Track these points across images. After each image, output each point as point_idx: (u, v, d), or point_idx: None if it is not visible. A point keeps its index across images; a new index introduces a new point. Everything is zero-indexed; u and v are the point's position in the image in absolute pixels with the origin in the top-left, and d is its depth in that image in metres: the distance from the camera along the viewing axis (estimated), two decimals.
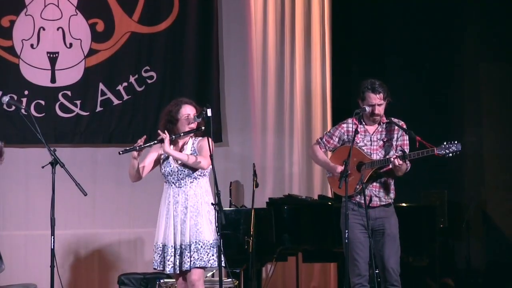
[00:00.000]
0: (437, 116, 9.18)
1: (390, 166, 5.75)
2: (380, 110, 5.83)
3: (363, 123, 5.92)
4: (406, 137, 5.87)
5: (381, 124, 5.93)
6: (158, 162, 5.88)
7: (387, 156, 5.78)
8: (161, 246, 5.74)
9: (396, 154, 5.75)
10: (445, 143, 5.60)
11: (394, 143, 5.88)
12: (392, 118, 5.93)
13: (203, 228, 5.65)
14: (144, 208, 8.33)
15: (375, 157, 5.85)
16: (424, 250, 7.77)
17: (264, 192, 8.49)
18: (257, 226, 7.04)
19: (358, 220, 5.79)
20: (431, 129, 8.41)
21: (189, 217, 5.66)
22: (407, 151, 5.80)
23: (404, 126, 5.91)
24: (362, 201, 5.75)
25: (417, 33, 9.28)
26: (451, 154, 5.60)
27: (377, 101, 5.79)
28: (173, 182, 5.75)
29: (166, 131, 5.70)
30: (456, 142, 5.60)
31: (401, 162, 5.66)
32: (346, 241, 5.62)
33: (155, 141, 5.72)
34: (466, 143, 8.50)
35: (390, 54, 9.43)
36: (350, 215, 5.69)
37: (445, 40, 9.29)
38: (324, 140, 6.06)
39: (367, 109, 5.78)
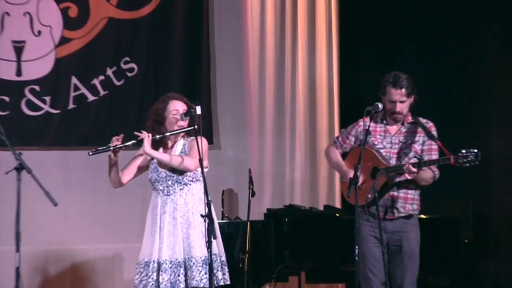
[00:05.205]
0: (460, 114, 9.12)
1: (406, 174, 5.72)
2: (402, 107, 5.79)
3: (384, 122, 5.91)
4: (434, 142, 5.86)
5: (405, 124, 5.90)
6: (145, 168, 5.90)
7: (402, 163, 5.76)
8: (143, 263, 5.70)
9: (410, 161, 5.73)
10: (463, 151, 5.55)
11: (417, 147, 5.83)
12: (420, 118, 5.89)
13: (195, 242, 5.61)
14: (124, 221, 8.40)
15: (394, 162, 5.82)
16: (445, 268, 7.67)
17: (261, 202, 8.57)
18: (253, 241, 7.13)
19: (373, 233, 5.78)
20: (453, 128, 8.50)
21: (179, 229, 5.64)
22: (435, 158, 5.76)
23: (433, 128, 5.87)
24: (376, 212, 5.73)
25: (436, 19, 9.17)
26: (468, 165, 5.54)
27: (398, 97, 5.76)
28: (161, 190, 5.73)
29: (145, 131, 5.69)
30: (475, 150, 5.54)
31: (415, 169, 5.62)
32: (357, 258, 5.53)
33: (134, 141, 5.66)
34: (493, 146, 8.72)
35: (406, 42, 9.32)
36: (364, 226, 5.74)
37: (469, 27, 9.19)
38: (340, 139, 6.10)
39: (380, 106, 5.69)
